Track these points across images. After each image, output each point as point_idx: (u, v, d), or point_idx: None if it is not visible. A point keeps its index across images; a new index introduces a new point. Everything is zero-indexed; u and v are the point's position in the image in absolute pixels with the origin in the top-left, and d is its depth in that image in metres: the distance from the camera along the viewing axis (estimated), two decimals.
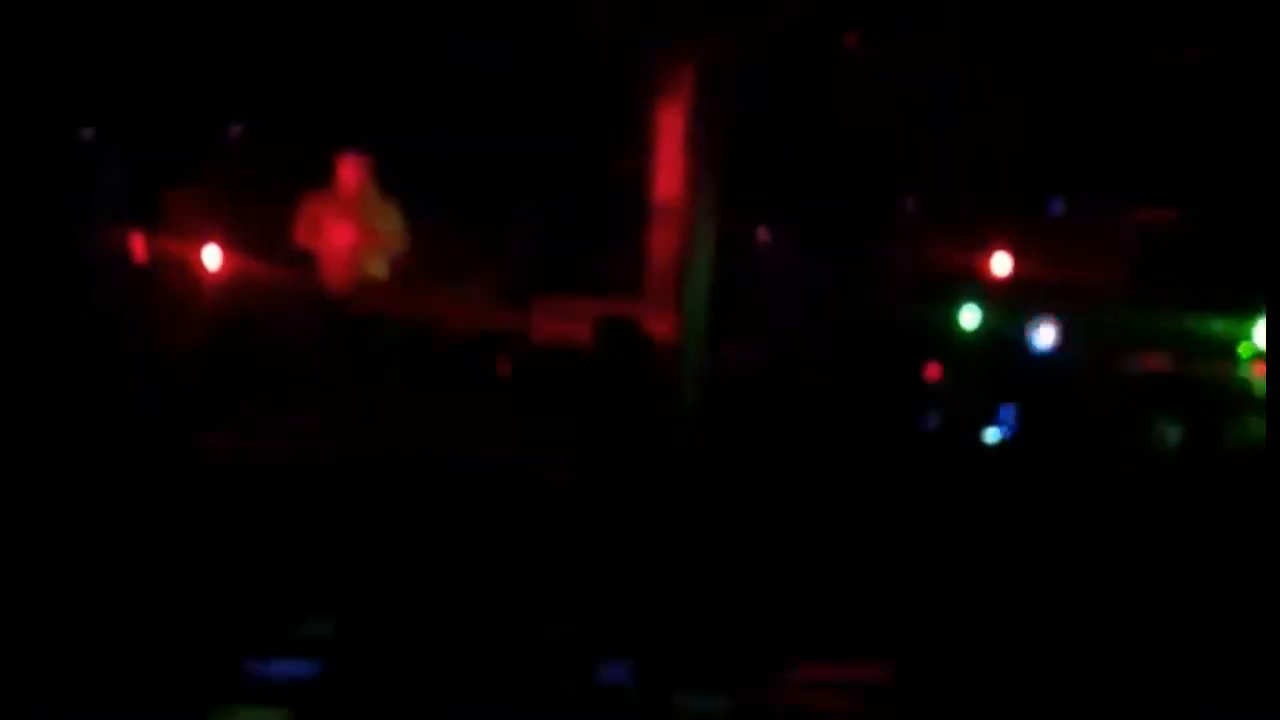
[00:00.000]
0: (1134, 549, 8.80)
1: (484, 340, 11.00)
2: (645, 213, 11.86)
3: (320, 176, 10.56)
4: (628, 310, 10.46)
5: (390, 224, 10.57)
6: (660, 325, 10.60)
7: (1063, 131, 12.63)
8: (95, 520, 7.29)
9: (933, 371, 12.26)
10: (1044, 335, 12.37)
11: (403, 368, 10.61)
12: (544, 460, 9.00)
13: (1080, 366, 12.26)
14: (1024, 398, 12.00)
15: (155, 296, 10.71)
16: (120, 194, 11.27)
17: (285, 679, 5.96)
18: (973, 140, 12.61)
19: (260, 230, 11.05)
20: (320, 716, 5.78)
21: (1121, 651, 7.05)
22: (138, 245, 10.88)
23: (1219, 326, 12.30)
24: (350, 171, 10.51)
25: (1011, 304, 12.54)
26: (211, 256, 11.05)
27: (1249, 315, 12.09)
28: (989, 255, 12.67)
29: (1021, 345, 12.40)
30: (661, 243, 11.72)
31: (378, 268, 10.57)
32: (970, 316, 12.56)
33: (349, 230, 10.43)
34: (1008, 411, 11.69)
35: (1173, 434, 11.36)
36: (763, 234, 13.38)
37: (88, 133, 11.85)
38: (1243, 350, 12.25)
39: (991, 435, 11.96)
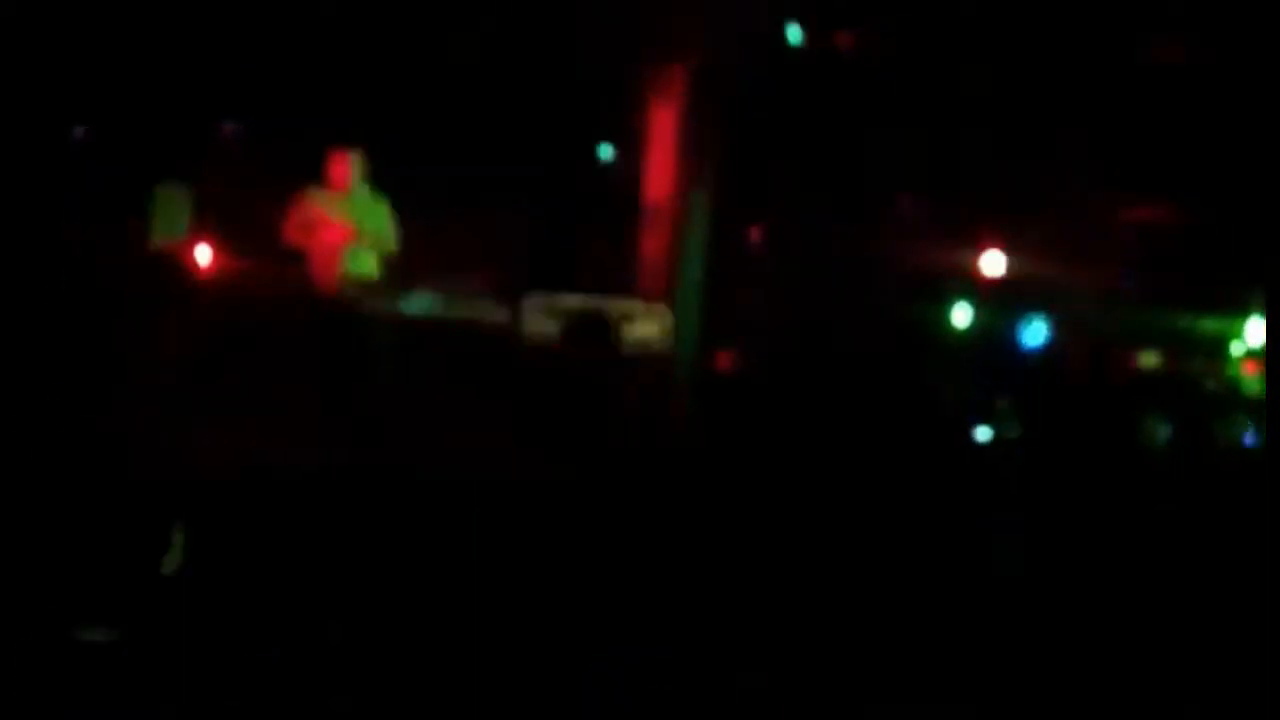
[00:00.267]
0: (1127, 546, 8.81)
1: (476, 338, 11.01)
2: (637, 212, 11.88)
3: (312, 174, 10.54)
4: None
5: (381, 222, 10.55)
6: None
7: (1058, 130, 12.64)
8: (82, 520, 7.28)
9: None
10: (1036, 333, 12.38)
11: (393, 367, 10.60)
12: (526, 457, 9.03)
13: (1072, 364, 12.28)
14: (1017, 395, 12.01)
15: (146, 294, 10.70)
16: (110, 191, 11.26)
17: None
18: (967, 139, 12.62)
19: (251, 228, 11.04)
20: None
21: (1116, 649, 7.05)
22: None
23: (1211, 325, 12.31)
24: (341, 169, 10.49)
25: (1004, 302, 12.55)
26: (202, 254, 11.04)
27: (1241, 314, 12.11)
28: (982, 254, 12.68)
29: (1014, 343, 12.41)
30: (653, 242, 11.73)
31: (368, 266, 10.55)
32: (962, 315, 12.57)
33: (340, 228, 10.41)
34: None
35: (1163, 432, 11.37)
36: (754, 234, 13.38)
37: (78, 130, 11.84)
38: (1234, 349, 12.27)
39: (983, 433, 11.96)
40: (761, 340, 12.50)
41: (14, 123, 10.87)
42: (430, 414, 10.18)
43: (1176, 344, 12.30)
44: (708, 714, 5.98)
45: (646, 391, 10.50)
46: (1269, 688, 6.28)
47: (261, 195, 10.94)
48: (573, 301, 10.77)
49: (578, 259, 12.22)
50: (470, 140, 12.39)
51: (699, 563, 7.81)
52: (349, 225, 10.46)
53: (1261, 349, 11.81)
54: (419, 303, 11.27)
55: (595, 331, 10.00)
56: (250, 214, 11.09)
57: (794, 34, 12.50)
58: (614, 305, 11.19)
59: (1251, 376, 11.93)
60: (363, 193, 10.53)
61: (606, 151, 13.23)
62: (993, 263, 12.70)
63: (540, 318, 10.67)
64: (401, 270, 10.80)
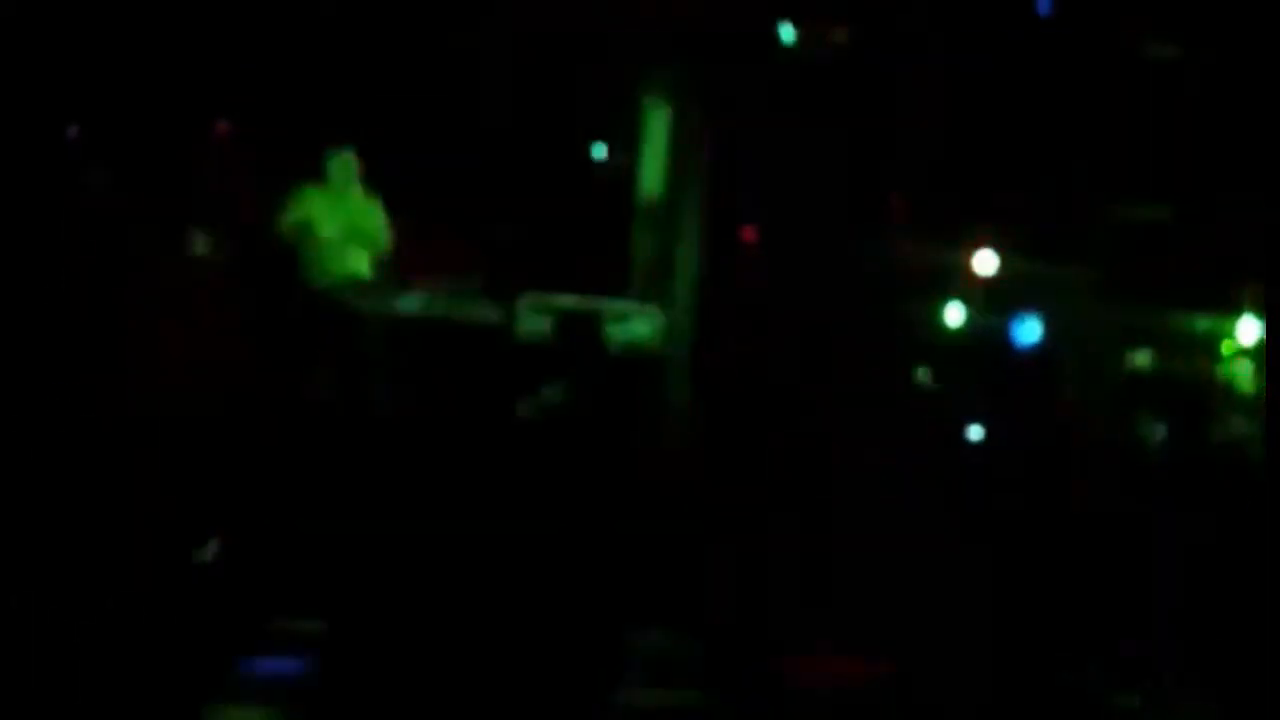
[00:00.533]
0: (1123, 544, 8.82)
1: (470, 337, 11.00)
2: (631, 211, 11.88)
3: (305, 173, 10.54)
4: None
5: (374, 221, 10.54)
6: None
7: (1050, 128, 12.65)
8: (80, 518, 7.28)
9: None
10: (1028, 332, 12.40)
11: (386, 366, 10.60)
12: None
13: (1064, 363, 12.29)
14: (1008, 394, 12.02)
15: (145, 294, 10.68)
16: (105, 192, 11.24)
17: (274, 677, 5.95)
18: (959, 138, 12.63)
19: (247, 225, 11.03)
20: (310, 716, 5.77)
21: (1113, 647, 7.07)
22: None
23: (1202, 324, 12.34)
24: (335, 168, 10.49)
25: (996, 301, 12.56)
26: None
27: (1232, 312, 12.14)
28: (974, 253, 12.70)
29: (1006, 342, 12.43)
30: (647, 242, 11.74)
31: (362, 265, 10.54)
32: (955, 314, 12.58)
33: (335, 226, 10.41)
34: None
35: (1156, 431, 11.40)
36: (748, 233, 13.39)
37: (73, 130, 11.82)
38: (1225, 347, 12.29)
39: (975, 432, 11.98)
40: (755, 340, 12.50)
41: (9, 123, 10.85)
42: (423, 413, 10.18)
43: (1169, 342, 12.32)
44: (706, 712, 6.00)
45: (640, 391, 10.50)
46: (1268, 685, 6.30)
47: (258, 194, 10.93)
48: (565, 301, 10.78)
49: (572, 258, 12.22)
50: (464, 139, 12.38)
51: (698, 563, 7.83)
52: (344, 224, 10.45)
53: (1254, 347, 11.85)
54: (412, 302, 11.26)
55: (585, 331, 10.01)
56: (247, 212, 11.09)
57: (787, 33, 12.51)
58: (607, 305, 11.19)
59: (1244, 374, 11.96)
60: (356, 192, 10.52)
61: (600, 150, 13.23)
62: (986, 262, 12.71)
63: (534, 317, 10.67)
64: (394, 269, 10.80)
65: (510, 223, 12.46)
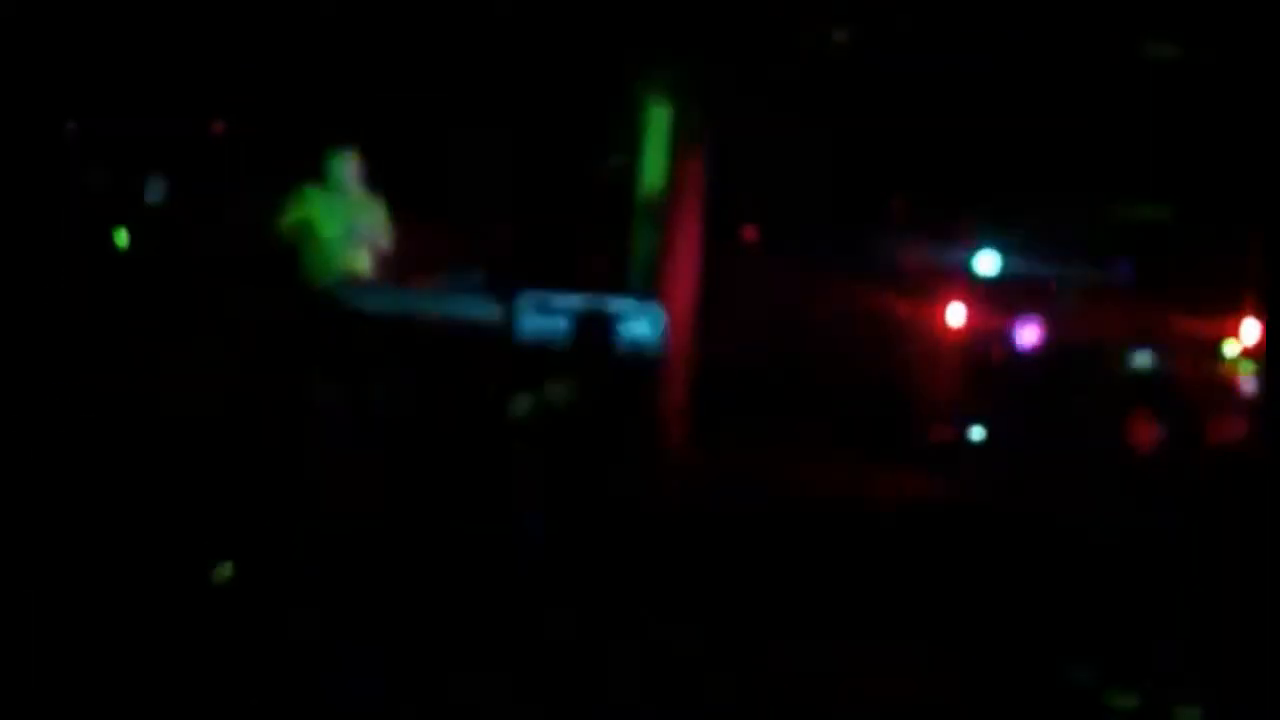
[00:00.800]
0: (1119, 543, 8.81)
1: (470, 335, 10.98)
2: (631, 210, 11.86)
3: (306, 172, 10.54)
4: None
5: (375, 220, 10.55)
6: None
7: (1050, 128, 12.64)
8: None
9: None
10: (1029, 333, 12.39)
11: (385, 363, 10.59)
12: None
13: (1064, 363, 12.28)
14: (1009, 395, 12.01)
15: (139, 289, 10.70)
16: (103, 189, 11.24)
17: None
18: (959, 138, 12.62)
19: (247, 224, 11.03)
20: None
21: (1110, 646, 7.06)
22: None
23: (1205, 324, 12.32)
24: (336, 167, 10.49)
25: (998, 301, 12.55)
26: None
27: (1235, 313, 12.12)
28: (976, 253, 12.69)
29: (1007, 342, 12.42)
30: (647, 240, 11.72)
31: (361, 263, 10.54)
32: (956, 314, 12.57)
33: (335, 225, 10.41)
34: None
35: (1155, 429, 11.37)
36: (749, 233, 13.39)
37: (72, 127, 11.83)
38: (1226, 348, 12.27)
39: (976, 433, 11.96)
40: (757, 339, 12.50)
41: (8, 120, 10.86)
42: (423, 410, 10.17)
43: (1170, 343, 12.31)
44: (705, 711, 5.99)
45: (641, 390, 10.49)
46: (1268, 683, 6.29)
47: (258, 192, 10.94)
48: (575, 300, 10.75)
49: (571, 257, 12.21)
50: (465, 138, 12.38)
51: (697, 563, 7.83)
52: (343, 223, 10.46)
53: (1255, 348, 11.83)
54: (410, 300, 11.25)
55: (600, 331, 10.00)
56: (247, 210, 11.09)
57: (788, 30, 12.49)
58: (607, 303, 11.18)
59: (1245, 375, 11.94)
60: (357, 191, 10.52)
61: (601, 149, 13.22)
62: (987, 262, 12.71)
63: (544, 316, 10.65)
64: (395, 268, 10.80)
65: (510, 221, 12.46)
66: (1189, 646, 7.07)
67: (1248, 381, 11.95)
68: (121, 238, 10.95)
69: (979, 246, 12.73)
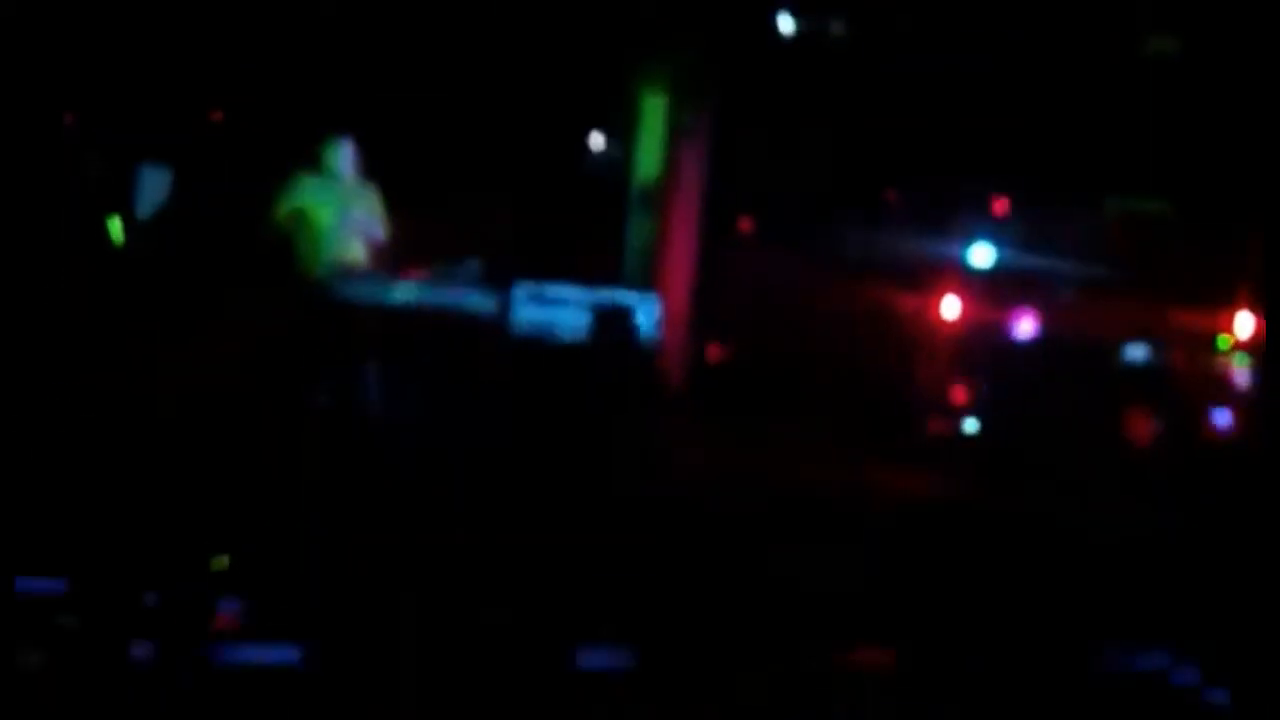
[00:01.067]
0: (1115, 539, 8.83)
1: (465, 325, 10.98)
2: (627, 201, 11.88)
3: (302, 161, 10.52)
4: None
5: (371, 209, 10.53)
6: None
7: (1046, 122, 12.64)
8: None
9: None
10: (1024, 326, 12.40)
11: (381, 354, 10.58)
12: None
13: (1060, 356, 12.29)
14: (1005, 387, 12.03)
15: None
16: (100, 178, 11.23)
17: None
18: (955, 130, 12.63)
19: (241, 213, 11.02)
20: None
21: (1106, 642, 7.07)
22: None
23: (1199, 318, 12.33)
24: (331, 156, 10.47)
25: (992, 294, 12.56)
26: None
27: (1228, 307, 12.13)
28: (971, 246, 12.69)
29: (1002, 335, 12.43)
30: (642, 231, 11.73)
31: (357, 253, 10.53)
32: (951, 306, 12.58)
33: (330, 215, 10.40)
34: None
35: (1150, 425, 11.39)
36: (744, 223, 13.38)
37: (69, 118, 11.81)
38: (1221, 342, 12.28)
39: (971, 425, 11.98)
40: (751, 330, 12.50)
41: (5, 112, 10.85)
42: (420, 402, 10.17)
43: (1164, 336, 12.32)
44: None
45: (637, 381, 10.49)
46: (1266, 678, 6.30)
47: (253, 181, 10.92)
48: (572, 291, 10.74)
49: (567, 248, 12.21)
50: (460, 127, 12.37)
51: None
52: (338, 213, 10.44)
53: (1250, 341, 11.85)
54: (407, 290, 11.25)
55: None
56: (242, 199, 11.07)
57: (785, 23, 12.50)
58: (604, 294, 11.18)
59: (1239, 369, 11.96)
60: (352, 180, 10.51)
61: (597, 139, 13.23)
62: (982, 255, 12.71)
63: (539, 307, 10.63)
64: (390, 258, 10.79)
65: (506, 212, 12.45)
66: (1186, 641, 7.08)
67: (1242, 375, 11.96)
68: (117, 229, 10.93)
69: (974, 239, 12.74)
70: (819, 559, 7.95)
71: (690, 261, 11.68)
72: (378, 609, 6.50)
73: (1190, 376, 12.04)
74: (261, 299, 10.52)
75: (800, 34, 12.59)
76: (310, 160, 10.52)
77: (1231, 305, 11.97)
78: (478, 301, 10.96)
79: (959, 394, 12.27)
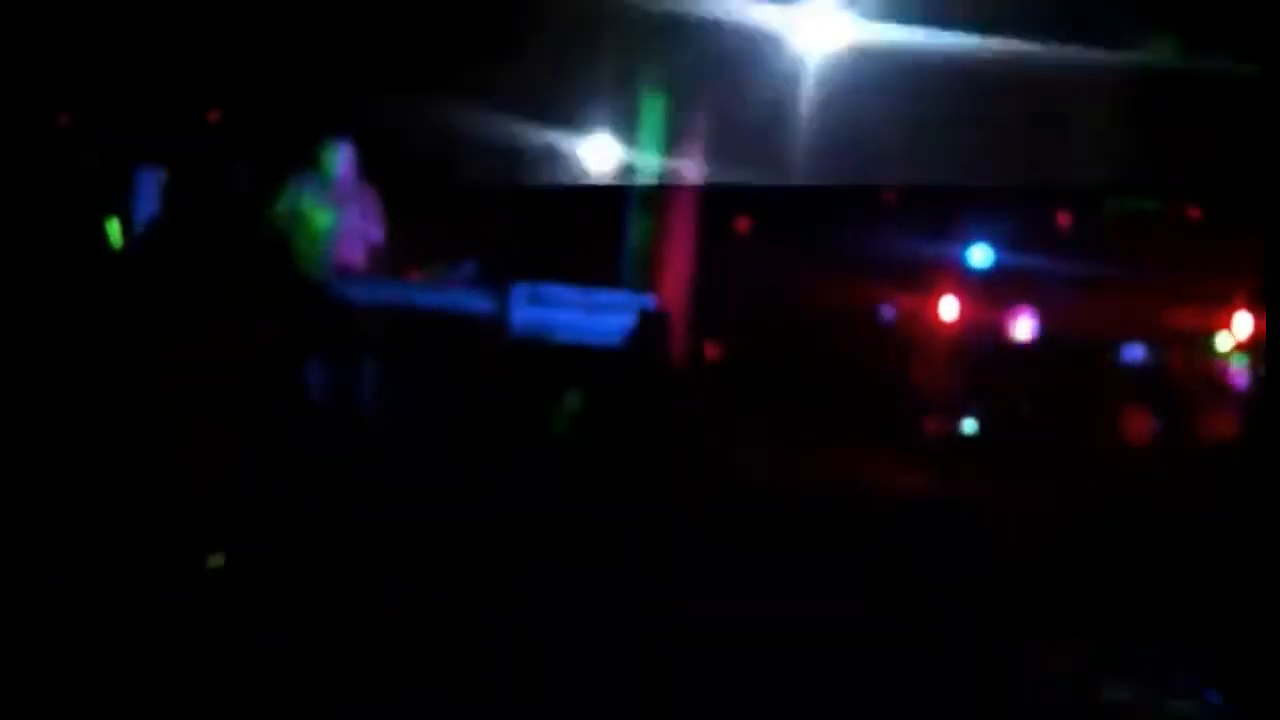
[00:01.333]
0: (1112, 538, 8.83)
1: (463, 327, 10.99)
2: (624, 202, 11.88)
3: (300, 162, 10.53)
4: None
5: (369, 210, 10.54)
6: None
7: (1044, 122, 12.64)
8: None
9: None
10: (1022, 326, 12.41)
11: (379, 355, 10.58)
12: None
13: (1058, 356, 12.30)
14: (999, 386, 12.04)
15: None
16: (98, 178, 11.23)
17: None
18: (954, 130, 12.62)
19: (239, 214, 11.02)
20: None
21: (1104, 641, 7.07)
22: None
23: (1196, 317, 12.35)
24: (329, 157, 10.48)
25: (991, 295, 12.58)
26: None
27: (1226, 306, 12.15)
28: (969, 246, 12.71)
29: (1001, 335, 12.44)
30: (641, 232, 11.73)
31: (356, 254, 10.54)
32: (950, 306, 12.60)
33: (328, 216, 10.41)
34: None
35: (1146, 424, 11.39)
36: (742, 224, 13.39)
37: (66, 118, 11.80)
38: (1219, 341, 12.30)
39: (969, 425, 11.99)
40: (749, 331, 12.51)
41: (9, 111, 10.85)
42: (420, 403, 10.17)
43: (1162, 336, 12.34)
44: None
45: (636, 381, 10.50)
46: (1264, 678, 6.30)
47: (252, 183, 10.93)
48: (570, 293, 10.73)
49: (565, 249, 12.22)
50: (457, 128, 12.36)
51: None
52: (336, 214, 10.45)
53: (1248, 340, 11.86)
54: (404, 291, 11.25)
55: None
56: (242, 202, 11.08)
57: (784, 24, 12.48)
58: (600, 296, 11.19)
59: (1237, 369, 11.97)
60: (351, 181, 10.52)
61: (595, 139, 13.22)
62: (980, 255, 12.73)
63: (537, 309, 10.63)
64: (387, 259, 10.80)
65: (505, 213, 12.46)
66: (1183, 640, 7.09)
67: (1240, 374, 11.98)
68: (114, 229, 10.92)
69: (972, 239, 12.75)
70: (819, 558, 7.96)
71: (689, 262, 11.67)
72: (377, 608, 6.50)
73: (1189, 376, 12.05)
74: (259, 300, 10.52)
75: (797, 32, 12.58)
76: (308, 161, 10.52)
77: (1231, 305, 11.98)
78: (476, 302, 10.96)
79: (957, 394, 12.28)
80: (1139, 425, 11.61)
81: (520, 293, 11.13)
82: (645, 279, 11.63)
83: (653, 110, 11.92)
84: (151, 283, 10.65)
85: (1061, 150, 12.60)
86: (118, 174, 11.45)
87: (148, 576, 6.50)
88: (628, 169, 11.97)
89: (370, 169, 10.64)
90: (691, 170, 11.77)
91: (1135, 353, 12.26)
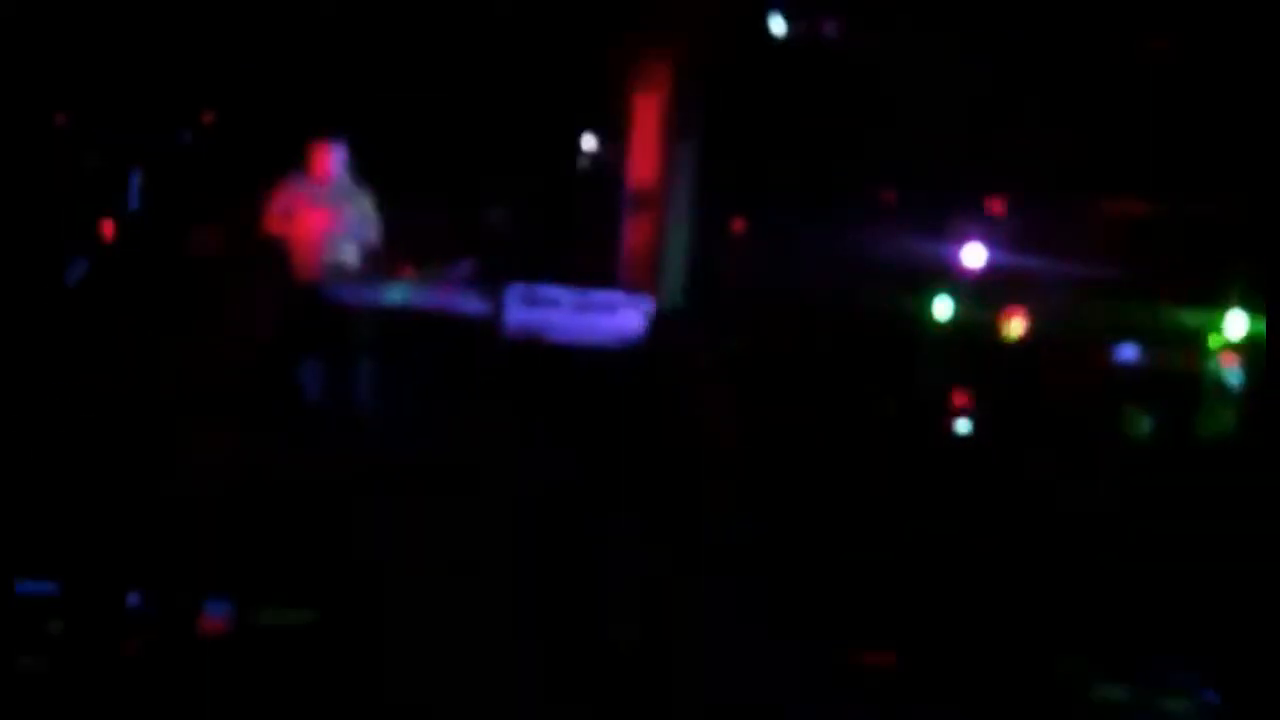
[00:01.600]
0: (1110, 537, 8.83)
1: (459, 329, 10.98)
2: (620, 201, 11.86)
3: (294, 163, 10.51)
4: None
5: (363, 211, 10.53)
6: None
7: (1041, 121, 12.66)
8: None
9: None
10: (1016, 326, 12.40)
11: (374, 357, 10.57)
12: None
13: (1052, 356, 12.30)
14: (997, 387, 12.03)
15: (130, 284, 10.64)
16: (95, 179, 11.22)
17: None
18: (949, 130, 12.63)
19: (233, 216, 11.00)
20: None
21: (1103, 641, 7.08)
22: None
23: (1190, 317, 12.35)
24: (323, 159, 10.47)
25: (985, 295, 12.57)
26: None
27: (1220, 306, 12.15)
28: (963, 246, 12.70)
29: (995, 335, 12.44)
30: (637, 232, 11.72)
31: (350, 255, 10.52)
32: (943, 307, 12.58)
33: (322, 217, 10.39)
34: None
35: (1144, 424, 11.40)
36: (738, 224, 13.38)
37: (63, 119, 11.79)
38: (1213, 341, 12.30)
39: (963, 426, 11.98)
40: (746, 331, 12.48)
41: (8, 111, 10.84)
42: (414, 405, 10.16)
43: (1156, 337, 12.33)
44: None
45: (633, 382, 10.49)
46: (1264, 678, 6.31)
47: (245, 184, 10.91)
48: (563, 293, 10.72)
49: (560, 249, 12.21)
50: (452, 129, 12.35)
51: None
52: (332, 214, 10.44)
53: (1241, 342, 11.86)
54: (399, 292, 11.25)
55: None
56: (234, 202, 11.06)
57: (778, 24, 12.49)
58: (596, 296, 11.19)
59: (1231, 369, 11.97)
60: (345, 182, 10.50)
61: (590, 140, 13.22)
62: (974, 255, 12.72)
63: (532, 309, 10.61)
64: (383, 260, 10.79)
65: (499, 214, 12.45)
66: (1179, 640, 7.09)
67: (1234, 374, 11.98)
68: (111, 229, 10.91)
69: (966, 239, 12.75)
70: (817, 558, 7.96)
71: (685, 262, 11.67)
72: (376, 609, 6.50)
73: (1185, 376, 12.06)
74: (255, 301, 10.50)
75: (792, 32, 12.59)
76: (302, 162, 10.51)
77: (1227, 305, 11.98)
78: (471, 303, 10.96)
79: (953, 394, 12.27)
80: (1135, 426, 11.62)
81: (515, 293, 11.13)
82: (642, 279, 11.63)
83: (645, 107, 11.92)
84: (150, 283, 10.64)
85: (1060, 150, 12.62)
86: (117, 174, 11.44)
87: (146, 576, 6.50)
88: (624, 168, 11.96)
89: (365, 169, 10.63)
90: (687, 170, 11.77)
91: (1131, 353, 12.26)
